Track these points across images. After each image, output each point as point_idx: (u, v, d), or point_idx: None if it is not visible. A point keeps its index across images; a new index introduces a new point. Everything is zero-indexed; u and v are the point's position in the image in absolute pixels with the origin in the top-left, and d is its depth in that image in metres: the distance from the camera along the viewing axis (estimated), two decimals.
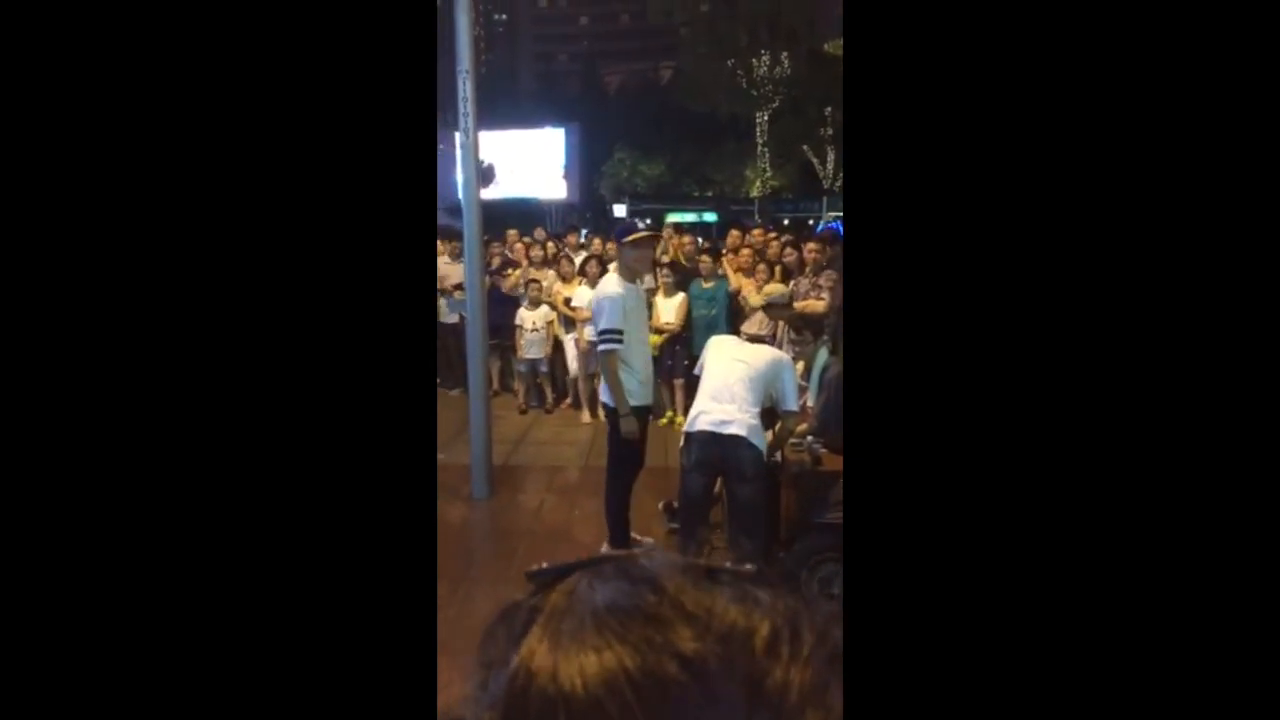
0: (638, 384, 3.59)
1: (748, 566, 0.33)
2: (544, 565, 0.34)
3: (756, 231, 6.83)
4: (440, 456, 5.36)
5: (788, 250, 5.98)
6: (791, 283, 5.58)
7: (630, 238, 3.61)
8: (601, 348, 3.54)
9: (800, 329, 3.88)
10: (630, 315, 3.54)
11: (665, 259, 6.75)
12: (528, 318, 6.34)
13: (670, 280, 6.03)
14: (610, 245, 6.64)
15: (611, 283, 3.62)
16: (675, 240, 6.96)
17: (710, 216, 23.93)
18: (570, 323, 6.32)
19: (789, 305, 4.88)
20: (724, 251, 6.35)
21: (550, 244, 7.15)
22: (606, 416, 3.74)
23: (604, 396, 3.66)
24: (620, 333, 3.48)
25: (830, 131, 22.76)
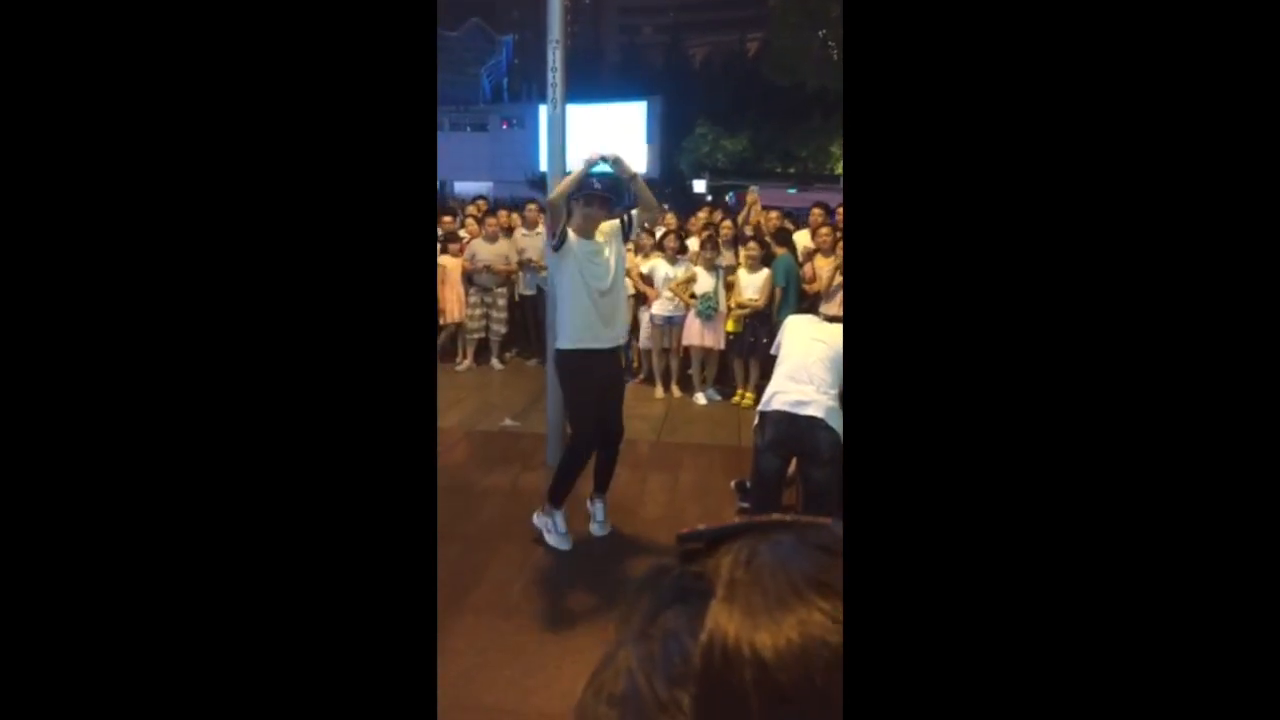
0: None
1: None
2: (699, 528, 0.34)
3: (840, 209, 6.63)
4: (516, 424, 5.47)
5: None
6: None
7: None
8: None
9: None
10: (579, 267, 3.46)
11: (748, 229, 6.61)
12: None
13: (756, 255, 5.94)
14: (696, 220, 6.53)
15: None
16: (760, 215, 6.83)
17: (792, 193, 23.50)
18: (642, 298, 6.31)
19: None
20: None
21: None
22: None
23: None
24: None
25: None
